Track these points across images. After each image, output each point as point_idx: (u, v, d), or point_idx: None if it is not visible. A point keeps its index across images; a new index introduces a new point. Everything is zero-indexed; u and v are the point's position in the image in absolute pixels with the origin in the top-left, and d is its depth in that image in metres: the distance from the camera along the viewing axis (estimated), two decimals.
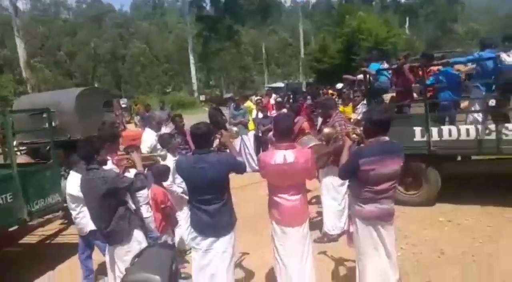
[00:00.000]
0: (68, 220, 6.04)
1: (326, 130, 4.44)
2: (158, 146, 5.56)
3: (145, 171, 4.00)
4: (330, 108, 5.30)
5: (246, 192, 7.22)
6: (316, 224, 5.26)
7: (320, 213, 5.58)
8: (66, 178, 4.79)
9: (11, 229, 4.85)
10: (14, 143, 7.08)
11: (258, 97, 13.78)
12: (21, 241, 6.11)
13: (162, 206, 4.26)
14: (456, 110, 6.46)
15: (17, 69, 28.32)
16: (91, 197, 3.46)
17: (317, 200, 6.34)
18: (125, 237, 3.49)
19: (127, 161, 3.90)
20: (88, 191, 3.46)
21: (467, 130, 5.47)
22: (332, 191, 5.06)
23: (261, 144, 9.34)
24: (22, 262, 5.37)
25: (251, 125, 9.89)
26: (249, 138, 9.73)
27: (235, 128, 7.75)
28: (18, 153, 7.31)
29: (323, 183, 5.12)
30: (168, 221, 4.37)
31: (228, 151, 3.96)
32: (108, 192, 3.34)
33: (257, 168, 4.21)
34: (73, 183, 4.44)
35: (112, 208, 3.45)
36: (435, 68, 6.94)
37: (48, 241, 6.33)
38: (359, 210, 3.35)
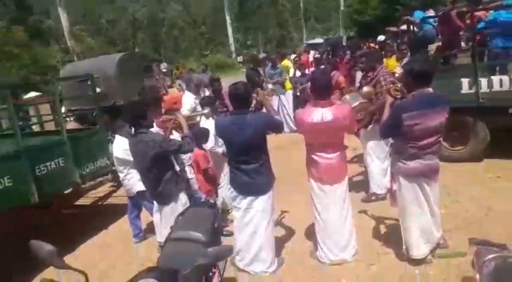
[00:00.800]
0: (117, 182, 6.36)
1: (365, 89, 4.29)
2: (198, 108, 5.63)
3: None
4: (375, 61, 5.03)
5: (284, 151, 7.23)
6: (360, 184, 5.22)
7: (362, 173, 5.52)
8: (112, 142, 5.00)
9: (66, 192, 5.20)
10: (63, 109, 7.44)
11: (296, 55, 13.43)
12: (76, 203, 6.54)
13: (203, 168, 4.36)
14: (509, 58, 6.00)
15: (62, 39, 29.16)
16: (141, 160, 3.56)
17: (358, 159, 6.27)
18: (172, 199, 3.61)
19: (173, 122, 3.93)
20: (138, 154, 3.56)
21: None
22: (377, 151, 4.91)
23: (299, 103, 9.21)
24: (78, 222, 5.77)
25: (287, 84, 9.73)
26: (287, 98, 9.62)
27: (270, 86, 7.60)
28: (68, 119, 7.70)
29: (368, 143, 4.97)
30: (210, 182, 4.48)
31: (265, 109, 3.94)
32: (157, 155, 3.43)
33: (294, 127, 4.17)
34: (119, 146, 4.63)
35: (161, 171, 3.55)
36: (482, 13, 6.40)
37: (100, 203, 6.73)
38: (403, 167, 3.28)
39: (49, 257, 1.83)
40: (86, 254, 4.80)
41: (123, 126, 4.78)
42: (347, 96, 4.49)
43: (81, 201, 6.58)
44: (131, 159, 4.52)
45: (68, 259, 1.93)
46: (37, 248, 1.84)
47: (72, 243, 4.95)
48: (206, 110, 4.53)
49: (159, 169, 3.54)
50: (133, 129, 3.59)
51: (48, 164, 4.66)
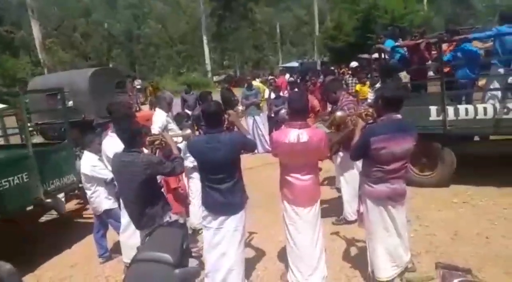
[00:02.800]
0: (84, 200, 6.14)
1: (339, 113, 4.34)
2: (169, 126, 5.56)
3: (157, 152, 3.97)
4: (333, 92, 4.96)
5: (258, 172, 7.21)
6: (332, 206, 5.26)
7: (333, 195, 5.57)
8: (80, 158, 4.86)
9: (28, 208, 4.96)
10: (30, 123, 7.21)
11: (272, 77, 13.63)
12: (39, 220, 6.25)
13: (174, 187, 4.27)
14: (473, 88, 6.27)
15: (33, 51, 28.55)
16: (130, 180, 3.30)
17: (330, 182, 6.33)
18: (157, 221, 3.35)
19: (159, 142, 3.72)
20: (126, 173, 3.31)
21: (485, 109, 5.32)
22: (352, 180, 4.77)
23: (273, 124, 9.29)
24: (40, 240, 5.51)
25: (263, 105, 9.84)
26: (261, 119, 9.69)
27: (240, 107, 7.58)
28: (34, 133, 7.45)
29: (342, 172, 4.99)
30: (180, 201, 4.39)
31: (236, 129, 3.94)
32: (150, 177, 3.28)
33: (269, 148, 4.18)
34: (87, 162, 4.50)
35: (151, 192, 3.39)
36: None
37: (64, 220, 6.46)
38: (370, 190, 3.32)
39: (7, 276, 1.72)
40: (49, 274, 4.56)
41: (93, 141, 4.67)
42: (314, 127, 4.53)
43: (44, 218, 6.29)
44: (100, 176, 4.44)
45: (28, 279, 1.82)
46: None
47: (34, 262, 4.71)
48: (187, 131, 4.19)
49: (149, 191, 3.36)
50: (124, 146, 3.32)
51: (11, 178, 4.47)
